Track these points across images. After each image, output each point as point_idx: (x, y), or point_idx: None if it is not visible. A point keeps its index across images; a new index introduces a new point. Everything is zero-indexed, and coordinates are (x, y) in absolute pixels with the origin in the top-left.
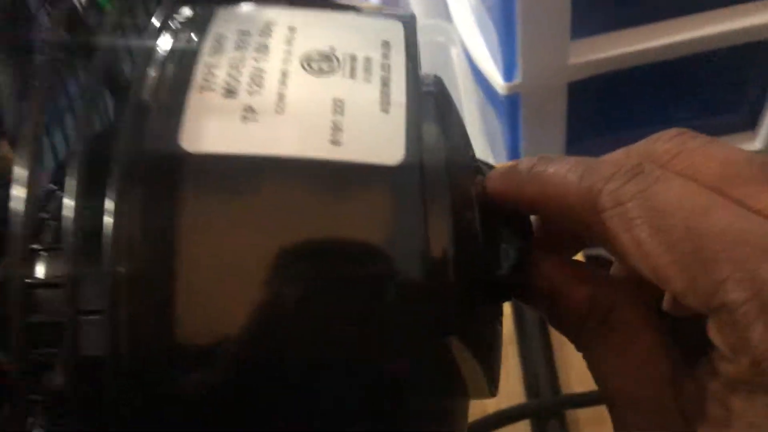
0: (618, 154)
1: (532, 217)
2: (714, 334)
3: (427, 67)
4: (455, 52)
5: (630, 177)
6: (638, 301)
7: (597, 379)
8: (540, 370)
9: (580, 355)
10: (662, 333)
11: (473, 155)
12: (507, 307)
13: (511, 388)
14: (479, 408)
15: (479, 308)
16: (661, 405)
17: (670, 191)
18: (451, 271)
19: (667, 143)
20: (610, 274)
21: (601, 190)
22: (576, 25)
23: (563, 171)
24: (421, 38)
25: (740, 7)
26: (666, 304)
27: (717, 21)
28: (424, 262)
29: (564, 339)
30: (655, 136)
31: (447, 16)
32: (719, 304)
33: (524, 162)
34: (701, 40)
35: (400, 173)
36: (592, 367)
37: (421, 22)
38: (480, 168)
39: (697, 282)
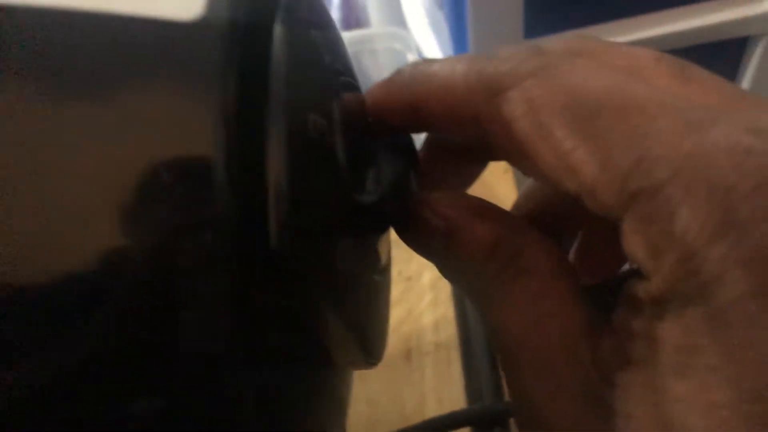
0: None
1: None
2: (631, 239)
3: (385, 75)
4: (411, 59)
5: (529, 56)
6: (549, 243)
7: (495, 336)
8: (483, 376)
9: None
10: (576, 282)
11: (351, 73)
12: (450, 310)
13: (453, 394)
14: (418, 415)
15: (332, 243)
16: (574, 363)
17: (576, 68)
18: (282, 189)
19: (567, 42)
20: (517, 214)
21: (494, 73)
22: (529, 24)
23: (450, 63)
24: (379, 46)
25: (700, 6)
26: (575, 253)
27: (675, 19)
28: (233, 173)
29: None
30: (555, 36)
31: (405, 24)
32: (636, 189)
33: (407, 65)
34: (658, 39)
35: (197, 33)
36: (489, 320)
37: (379, 29)
38: (356, 86)
39: (610, 166)
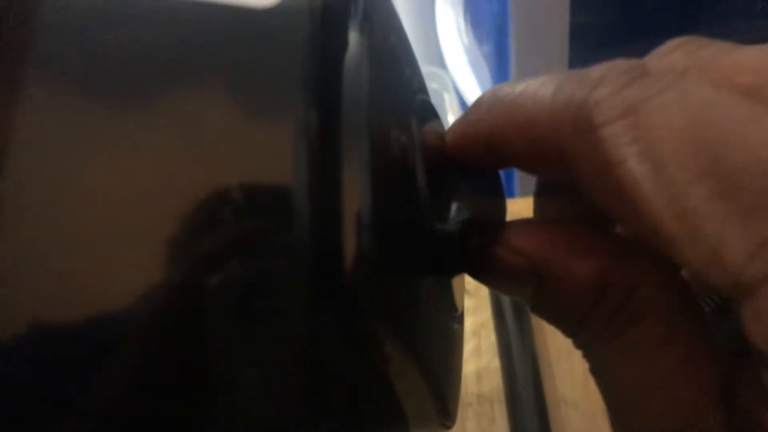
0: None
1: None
2: (752, 327)
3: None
4: (449, 98)
5: (628, 81)
6: (668, 271)
7: (609, 396)
8: None
9: (579, 414)
10: (703, 323)
11: (425, 89)
12: (494, 360)
13: None
14: None
15: (416, 281)
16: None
17: (689, 99)
18: (363, 215)
19: (672, 54)
20: (626, 239)
21: (582, 102)
22: (573, 64)
23: (534, 86)
24: None
25: None
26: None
27: None
28: (312, 200)
29: (560, 396)
30: (654, 52)
31: (441, 63)
32: (760, 278)
33: (488, 92)
34: None
35: (272, 29)
36: (601, 377)
37: None
38: (431, 105)
39: (724, 246)
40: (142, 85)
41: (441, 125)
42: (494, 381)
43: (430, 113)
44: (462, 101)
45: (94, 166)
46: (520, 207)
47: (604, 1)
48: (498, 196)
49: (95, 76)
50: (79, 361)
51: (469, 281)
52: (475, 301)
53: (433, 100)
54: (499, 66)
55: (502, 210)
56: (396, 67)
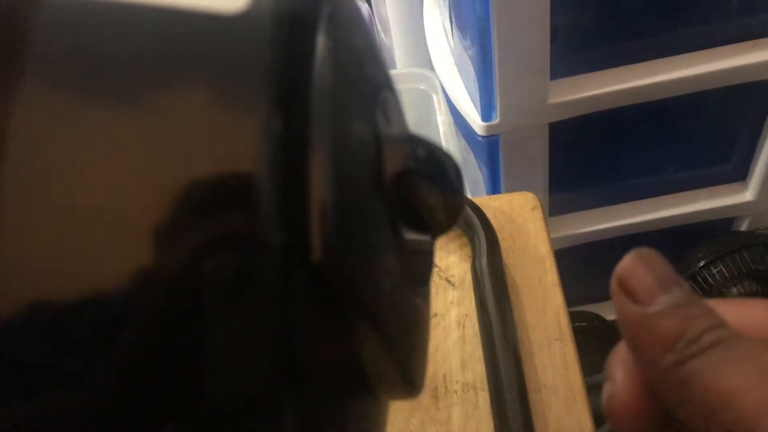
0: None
1: None
2: None
3: (409, 114)
4: (437, 99)
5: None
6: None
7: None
8: (513, 417)
9: (558, 399)
10: None
11: (390, 82)
12: (477, 349)
13: None
14: None
15: (376, 259)
16: None
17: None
18: (325, 202)
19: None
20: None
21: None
22: (556, 65)
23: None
24: (404, 86)
25: (725, 48)
26: None
27: (701, 61)
28: (276, 187)
29: (541, 382)
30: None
31: (430, 65)
32: None
33: None
34: (684, 80)
35: (239, 34)
36: None
37: (404, 70)
38: (397, 99)
39: None
40: (126, 83)
41: (403, 117)
42: (478, 369)
43: (394, 107)
44: (450, 102)
45: (86, 154)
46: (501, 202)
47: (583, 2)
48: (456, 189)
49: (87, 74)
50: (80, 337)
51: (453, 274)
52: (459, 293)
53: (422, 100)
54: (483, 67)
55: (459, 200)
56: (359, 66)
